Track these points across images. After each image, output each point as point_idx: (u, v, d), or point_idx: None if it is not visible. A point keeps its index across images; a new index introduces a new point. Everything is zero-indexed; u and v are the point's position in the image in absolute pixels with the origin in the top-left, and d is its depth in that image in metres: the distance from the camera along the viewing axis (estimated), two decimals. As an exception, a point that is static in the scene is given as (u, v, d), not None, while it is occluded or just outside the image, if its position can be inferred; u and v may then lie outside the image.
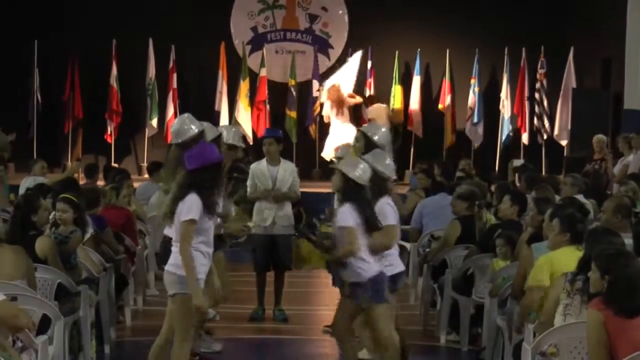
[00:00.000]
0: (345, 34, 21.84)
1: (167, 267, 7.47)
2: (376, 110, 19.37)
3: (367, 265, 7.91)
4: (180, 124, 8.70)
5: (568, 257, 7.24)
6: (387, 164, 8.38)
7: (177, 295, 7.36)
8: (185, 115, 8.88)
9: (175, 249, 7.41)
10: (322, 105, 19.74)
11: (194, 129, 8.58)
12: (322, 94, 19.69)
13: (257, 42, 21.75)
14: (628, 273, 5.85)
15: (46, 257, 8.32)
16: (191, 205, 7.25)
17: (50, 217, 9.06)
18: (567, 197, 10.61)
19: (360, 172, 7.94)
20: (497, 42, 21.19)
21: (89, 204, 10.63)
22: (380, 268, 8.01)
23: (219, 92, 21.07)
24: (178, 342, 7.45)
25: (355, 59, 19.78)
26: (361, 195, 7.93)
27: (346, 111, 19.34)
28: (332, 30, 21.92)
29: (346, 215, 7.82)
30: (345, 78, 19.42)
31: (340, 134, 19.14)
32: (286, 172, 11.28)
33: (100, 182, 13.70)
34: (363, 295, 7.90)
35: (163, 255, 8.31)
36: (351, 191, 7.92)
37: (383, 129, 9.58)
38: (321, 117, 20.49)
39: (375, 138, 9.17)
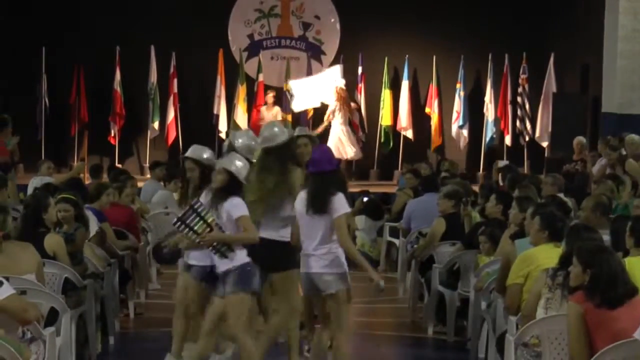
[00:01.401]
0: (337, 41, 21.81)
1: (322, 270, 7.50)
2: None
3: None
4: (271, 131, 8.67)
5: (546, 254, 7.26)
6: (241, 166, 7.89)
7: (339, 291, 7.48)
8: (274, 122, 8.91)
9: (323, 250, 7.49)
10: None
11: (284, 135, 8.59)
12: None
13: (254, 48, 21.73)
14: (609, 266, 5.86)
15: (54, 253, 8.31)
16: (344, 201, 7.48)
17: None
18: (549, 195, 10.62)
19: (239, 167, 7.75)
20: (481, 48, 21.19)
21: (91, 197, 10.65)
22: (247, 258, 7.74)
23: (217, 96, 21.04)
24: (344, 333, 7.60)
25: (332, 72, 19.93)
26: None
27: (346, 113, 19.65)
28: (325, 38, 21.89)
29: (243, 206, 7.63)
30: (320, 87, 19.68)
31: (338, 134, 19.33)
32: None
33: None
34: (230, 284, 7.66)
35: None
36: (236, 186, 7.72)
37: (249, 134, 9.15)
38: (315, 119, 20.57)
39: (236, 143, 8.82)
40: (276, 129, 8.43)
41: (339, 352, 7.61)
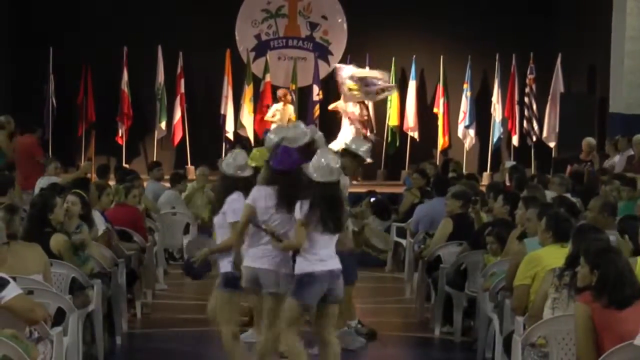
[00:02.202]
0: (344, 42, 21.80)
1: (268, 267, 7.73)
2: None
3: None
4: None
5: (553, 255, 7.25)
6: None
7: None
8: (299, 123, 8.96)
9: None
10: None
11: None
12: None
13: (261, 49, 21.73)
14: (617, 267, 5.85)
15: (60, 253, 8.32)
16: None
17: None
18: (558, 196, 10.61)
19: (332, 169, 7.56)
20: (488, 48, 21.17)
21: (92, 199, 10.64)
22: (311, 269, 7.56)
23: (224, 96, 21.03)
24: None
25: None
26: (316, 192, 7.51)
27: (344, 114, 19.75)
28: (332, 38, 21.88)
29: (297, 210, 7.50)
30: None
31: (343, 133, 19.38)
32: None
33: (111, 182, 13.70)
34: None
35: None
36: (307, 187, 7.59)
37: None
38: (321, 119, 20.57)
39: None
40: (301, 130, 8.52)
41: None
